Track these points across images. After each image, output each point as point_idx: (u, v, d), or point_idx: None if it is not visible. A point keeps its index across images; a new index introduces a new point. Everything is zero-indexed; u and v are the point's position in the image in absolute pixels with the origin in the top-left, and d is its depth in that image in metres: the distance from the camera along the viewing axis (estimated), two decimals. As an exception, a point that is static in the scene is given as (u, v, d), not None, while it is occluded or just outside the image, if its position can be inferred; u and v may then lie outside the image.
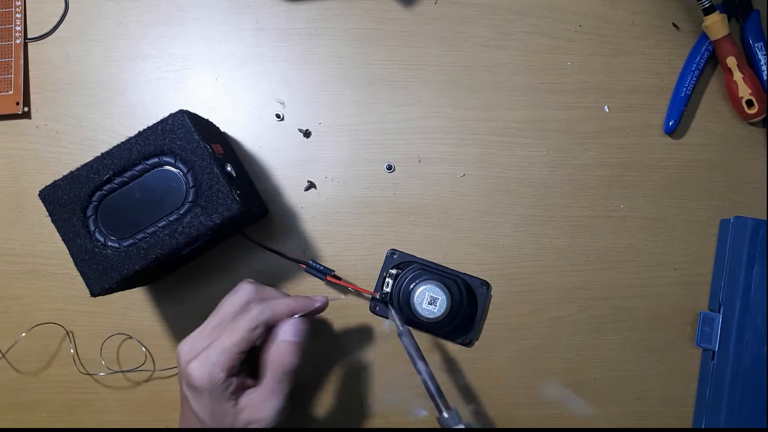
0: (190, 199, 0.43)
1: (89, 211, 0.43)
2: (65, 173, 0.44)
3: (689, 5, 0.53)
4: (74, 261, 0.43)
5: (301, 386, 0.50)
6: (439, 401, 0.41)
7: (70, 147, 0.53)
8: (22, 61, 0.53)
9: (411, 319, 0.48)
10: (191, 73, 0.54)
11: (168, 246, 0.42)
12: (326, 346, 0.51)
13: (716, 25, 0.50)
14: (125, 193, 0.43)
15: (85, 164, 0.43)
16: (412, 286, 0.48)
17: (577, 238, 0.52)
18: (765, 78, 0.50)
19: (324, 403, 0.51)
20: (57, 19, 0.54)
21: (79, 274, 0.43)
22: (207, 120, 0.50)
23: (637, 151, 0.52)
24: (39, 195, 0.44)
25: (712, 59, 0.52)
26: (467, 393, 0.51)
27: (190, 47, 0.54)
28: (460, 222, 0.52)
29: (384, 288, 0.50)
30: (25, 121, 0.53)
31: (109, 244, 0.43)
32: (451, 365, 0.51)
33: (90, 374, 0.51)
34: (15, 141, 0.53)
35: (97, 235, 0.43)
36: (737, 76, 0.50)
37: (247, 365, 0.41)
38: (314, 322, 0.51)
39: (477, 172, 0.52)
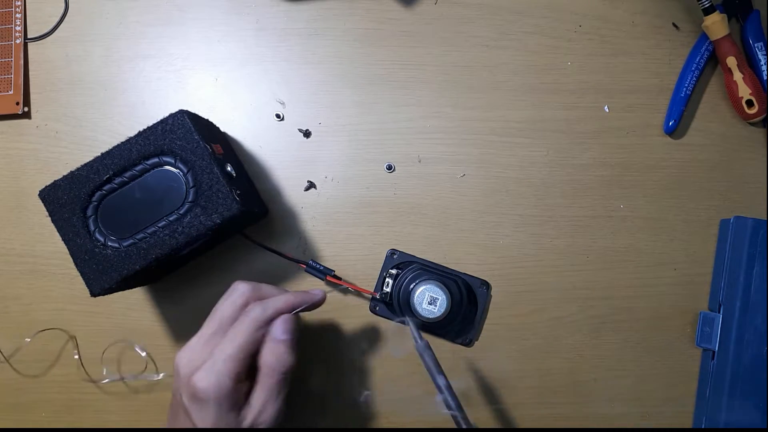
0: (190, 199, 0.43)
1: (89, 211, 0.43)
2: (65, 173, 0.44)
3: (689, 5, 0.53)
4: (74, 261, 0.43)
5: (300, 386, 0.50)
6: (460, 418, 0.40)
7: (70, 147, 0.53)
8: (22, 61, 0.53)
9: (411, 319, 0.48)
10: (191, 73, 0.54)
11: (168, 246, 0.42)
12: (326, 346, 0.51)
13: (716, 25, 0.50)
14: (125, 193, 0.43)
15: (85, 164, 0.43)
16: (412, 286, 0.48)
17: (577, 238, 0.52)
18: (765, 78, 0.50)
19: (323, 402, 0.51)
20: (57, 19, 0.54)
21: (79, 274, 0.43)
22: (207, 120, 0.50)
23: (637, 151, 0.52)
24: (39, 195, 0.44)
25: (712, 59, 0.52)
26: (467, 393, 0.51)
27: (190, 47, 0.54)
28: (460, 222, 0.52)
29: (384, 288, 0.50)
30: (25, 121, 0.53)
31: (109, 244, 0.43)
32: (451, 365, 0.51)
33: (93, 381, 0.51)
34: (15, 141, 0.53)
35: (97, 235, 0.43)
36: (737, 76, 0.50)
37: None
38: (314, 322, 0.51)
39: (477, 172, 0.52)
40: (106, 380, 0.51)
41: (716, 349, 0.49)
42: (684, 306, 0.51)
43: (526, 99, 0.53)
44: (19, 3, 0.54)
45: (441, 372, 0.42)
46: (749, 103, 0.50)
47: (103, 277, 0.42)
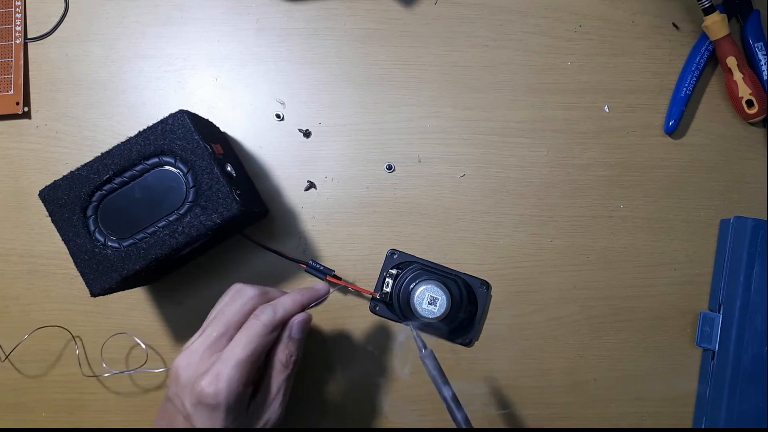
0: (190, 199, 0.43)
1: (89, 211, 0.43)
2: (65, 173, 0.44)
3: (689, 5, 0.53)
4: (74, 261, 0.43)
5: (300, 386, 0.50)
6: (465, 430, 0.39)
7: (70, 147, 0.53)
8: (22, 61, 0.53)
9: (411, 319, 0.48)
10: (191, 73, 0.54)
11: (168, 246, 0.42)
12: (326, 346, 0.51)
13: (716, 25, 0.50)
14: (125, 193, 0.43)
15: (85, 164, 0.43)
16: (412, 286, 0.48)
17: (577, 238, 0.52)
18: (765, 78, 0.50)
19: (323, 402, 0.51)
20: (57, 19, 0.54)
21: (79, 274, 0.43)
22: (207, 120, 0.50)
23: (637, 151, 0.52)
24: (39, 195, 0.44)
25: (712, 59, 0.52)
26: (467, 393, 0.51)
27: (190, 47, 0.54)
28: (460, 222, 0.52)
29: (384, 288, 0.50)
30: (25, 121, 0.53)
31: (109, 244, 0.43)
32: (451, 365, 0.51)
33: (96, 375, 0.51)
34: (15, 141, 0.53)
35: (97, 235, 0.43)
36: (737, 76, 0.50)
37: None
38: (314, 322, 0.51)
39: (477, 172, 0.52)
40: (107, 374, 0.51)
41: (716, 349, 0.49)
42: (684, 306, 0.51)
43: (526, 99, 0.53)
44: (19, 3, 0.54)
45: (446, 382, 0.40)
46: (749, 103, 0.50)
47: (103, 277, 0.42)
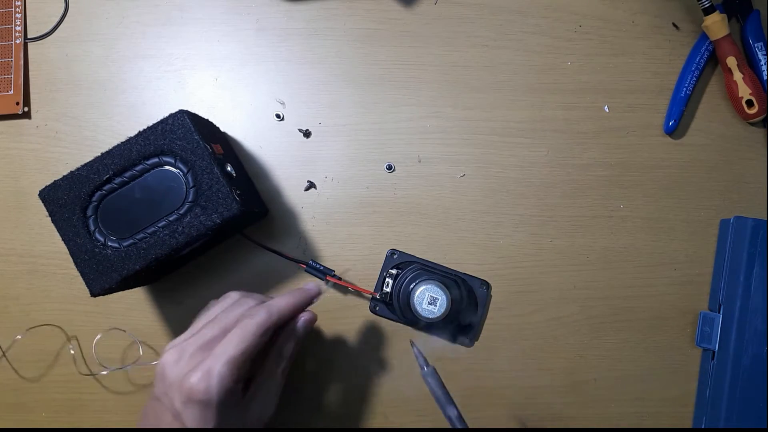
0: (190, 199, 0.43)
1: (89, 211, 0.43)
2: (65, 173, 0.44)
3: (689, 5, 0.53)
4: (74, 261, 0.43)
5: (300, 386, 0.50)
6: None
7: (70, 147, 0.53)
8: (22, 61, 0.53)
9: (411, 319, 0.48)
10: (191, 73, 0.54)
11: (168, 246, 0.42)
12: (326, 346, 0.51)
13: (716, 25, 0.50)
14: (125, 193, 0.43)
15: (85, 164, 0.43)
16: (412, 286, 0.48)
17: (577, 238, 0.52)
18: (765, 78, 0.50)
19: (323, 402, 0.51)
20: (57, 19, 0.54)
21: (79, 274, 0.43)
22: (207, 120, 0.50)
23: (637, 151, 0.52)
24: (39, 195, 0.44)
25: (712, 59, 0.52)
26: (467, 393, 0.51)
27: (190, 47, 0.54)
28: (460, 222, 0.52)
29: (384, 288, 0.50)
30: (25, 121, 0.53)
31: (109, 244, 0.43)
32: (451, 365, 0.51)
33: (92, 374, 0.51)
34: (15, 141, 0.53)
35: (97, 235, 0.43)
36: (737, 76, 0.50)
37: None
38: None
39: (477, 172, 0.52)
40: (104, 371, 0.51)
41: (716, 349, 0.49)
42: (684, 306, 0.51)
43: (526, 99, 0.53)
44: (19, 3, 0.54)
45: (450, 401, 0.38)
46: (749, 103, 0.50)
47: (103, 277, 0.42)
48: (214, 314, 0.41)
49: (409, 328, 0.51)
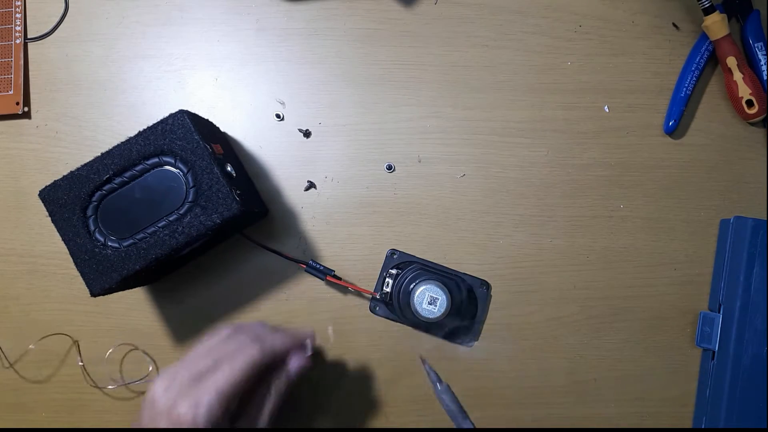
0: (190, 199, 0.43)
1: (89, 211, 0.43)
2: (65, 173, 0.44)
3: (689, 5, 0.53)
4: (74, 261, 0.43)
5: (299, 386, 0.50)
6: None
7: (70, 147, 0.53)
8: (22, 61, 0.53)
9: (411, 319, 0.48)
10: (191, 73, 0.54)
11: (168, 246, 0.42)
12: (326, 346, 0.51)
13: (716, 25, 0.50)
14: (125, 193, 0.43)
15: (85, 164, 0.43)
16: (412, 286, 0.48)
17: (577, 238, 0.52)
18: (765, 78, 0.50)
19: (323, 402, 0.51)
20: (57, 19, 0.54)
21: (79, 274, 0.43)
22: (207, 120, 0.50)
23: (637, 151, 0.52)
24: (39, 195, 0.44)
25: (712, 59, 0.52)
26: (467, 393, 0.51)
27: (190, 47, 0.54)
28: (460, 222, 0.52)
29: (384, 288, 0.50)
30: (25, 121, 0.53)
31: (109, 244, 0.43)
32: (451, 365, 0.51)
33: (99, 387, 0.51)
34: (15, 141, 0.53)
35: (97, 235, 0.43)
36: (737, 76, 0.50)
37: None
38: (314, 322, 0.51)
39: (477, 172, 0.52)
40: (111, 386, 0.51)
41: (716, 349, 0.49)
42: (684, 306, 0.51)
43: (526, 99, 0.53)
44: (19, 3, 0.54)
45: (466, 416, 0.39)
46: (749, 103, 0.50)
47: (103, 277, 0.42)
48: (208, 347, 0.41)
49: (409, 328, 0.51)
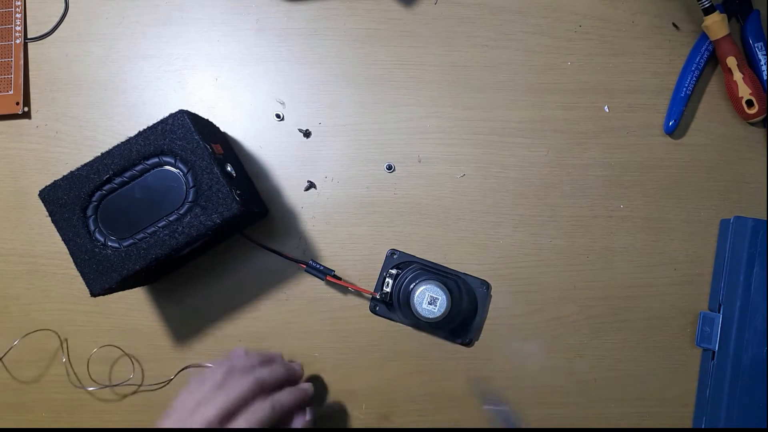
0: (190, 199, 0.43)
1: (89, 211, 0.43)
2: (65, 173, 0.44)
3: (689, 5, 0.53)
4: (74, 261, 0.43)
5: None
6: None
7: (70, 147, 0.53)
8: (22, 61, 0.53)
9: (411, 319, 0.48)
10: (191, 73, 0.54)
11: (168, 246, 0.42)
12: (326, 346, 0.51)
13: (716, 25, 0.49)
14: (125, 193, 0.43)
15: (85, 164, 0.43)
16: (412, 286, 0.48)
17: (577, 238, 0.52)
18: (765, 78, 0.50)
19: (323, 402, 0.51)
20: (57, 19, 0.54)
21: (79, 274, 0.43)
22: (207, 120, 0.50)
23: (637, 151, 0.52)
24: (39, 195, 0.44)
25: (712, 59, 0.52)
26: (467, 393, 0.51)
27: (190, 47, 0.54)
28: (460, 222, 0.52)
29: (384, 288, 0.50)
30: (25, 121, 0.53)
31: (109, 244, 0.43)
32: (451, 365, 0.51)
33: (85, 388, 0.51)
34: (15, 141, 0.53)
35: (97, 235, 0.43)
36: (737, 76, 0.50)
37: None
38: (314, 322, 0.51)
39: (477, 172, 0.52)
40: (92, 388, 0.51)
41: (716, 349, 0.49)
42: (684, 306, 0.51)
43: (526, 99, 0.53)
44: (19, 3, 0.54)
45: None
46: (749, 103, 0.50)
47: (103, 277, 0.42)
48: (203, 396, 0.40)
49: (409, 328, 0.51)
